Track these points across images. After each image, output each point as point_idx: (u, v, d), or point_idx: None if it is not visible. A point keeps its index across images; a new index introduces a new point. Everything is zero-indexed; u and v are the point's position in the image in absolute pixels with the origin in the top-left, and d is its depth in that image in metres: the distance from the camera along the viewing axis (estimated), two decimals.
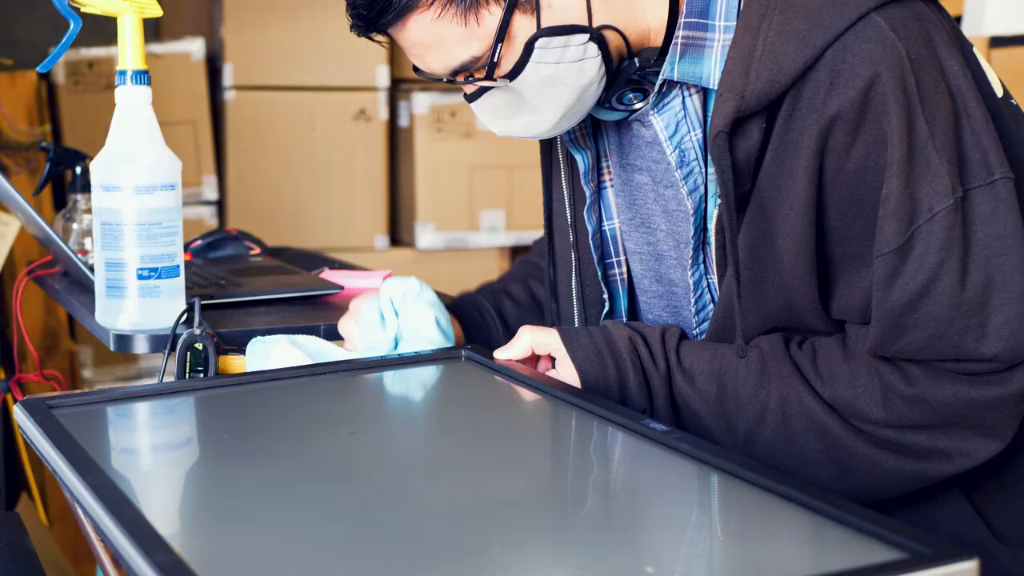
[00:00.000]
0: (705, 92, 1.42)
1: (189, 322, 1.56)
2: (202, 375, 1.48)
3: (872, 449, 1.35)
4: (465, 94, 1.44)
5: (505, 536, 0.97)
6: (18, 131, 2.85)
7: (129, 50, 1.59)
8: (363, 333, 1.53)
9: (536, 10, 1.35)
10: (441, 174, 3.82)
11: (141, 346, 1.57)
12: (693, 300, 1.47)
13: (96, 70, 3.67)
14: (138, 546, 0.90)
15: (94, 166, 1.59)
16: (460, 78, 1.41)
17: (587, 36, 1.37)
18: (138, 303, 1.57)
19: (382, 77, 3.81)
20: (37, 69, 1.59)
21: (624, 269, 1.57)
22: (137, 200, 1.57)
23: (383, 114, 3.82)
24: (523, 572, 0.92)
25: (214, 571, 0.89)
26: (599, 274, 1.57)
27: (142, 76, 1.59)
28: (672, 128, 1.43)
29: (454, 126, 3.82)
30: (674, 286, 1.51)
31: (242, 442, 1.18)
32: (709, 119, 1.40)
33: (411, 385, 1.34)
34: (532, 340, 1.42)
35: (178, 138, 3.73)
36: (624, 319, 1.57)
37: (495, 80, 1.39)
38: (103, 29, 3.66)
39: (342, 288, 1.75)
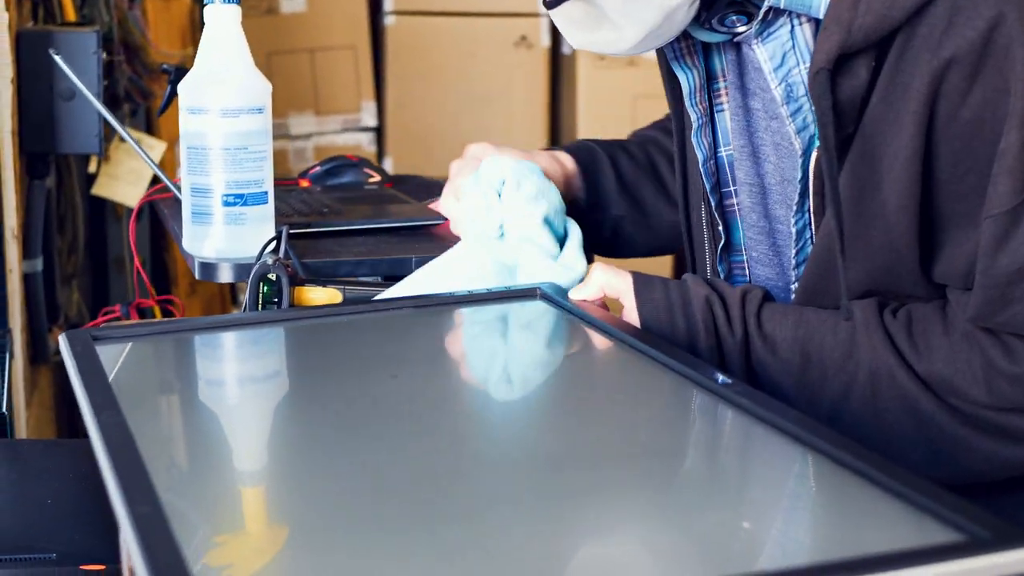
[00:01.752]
0: (818, 22, 1.28)
1: (277, 251, 1.50)
2: (276, 307, 1.42)
3: (968, 431, 1.22)
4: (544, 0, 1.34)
5: (565, 490, 0.88)
6: (166, 55, 2.84)
7: None
8: (469, 219, 1.44)
9: None
10: (603, 103, 3.71)
11: (226, 275, 1.51)
12: (794, 251, 1.34)
13: None
14: (124, 493, 0.84)
15: (182, 88, 1.53)
16: None
17: None
18: (223, 230, 1.51)
19: None
20: None
21: (738, 199, 1.44)
22: (224, 123, 1.50)
23: (545, 40, 3.72)
24: (599, 524, 0.84)
25: (198, 528, 0.82)
26: (713, 203, 1.44)
27: None
28: (778, 59, 1.30)
29: None
30: (778, 223, 1.39)
31: (275, 383, 1.12)
32: None
33: (478, 324, 1.26)
34: (604, 281, 1.32)
35: (337, 63, 3.70)
36: (743, 255, 1.45)
37: None
38: None
39: (445, 220, 1.67)
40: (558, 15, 1.33)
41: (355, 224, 1.65)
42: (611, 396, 1.12)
